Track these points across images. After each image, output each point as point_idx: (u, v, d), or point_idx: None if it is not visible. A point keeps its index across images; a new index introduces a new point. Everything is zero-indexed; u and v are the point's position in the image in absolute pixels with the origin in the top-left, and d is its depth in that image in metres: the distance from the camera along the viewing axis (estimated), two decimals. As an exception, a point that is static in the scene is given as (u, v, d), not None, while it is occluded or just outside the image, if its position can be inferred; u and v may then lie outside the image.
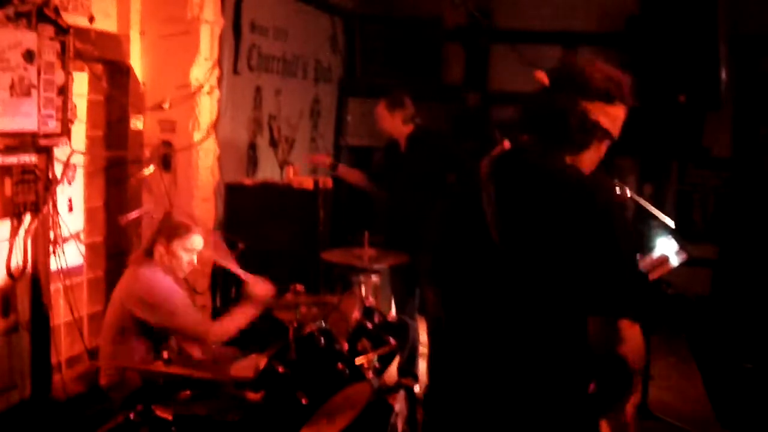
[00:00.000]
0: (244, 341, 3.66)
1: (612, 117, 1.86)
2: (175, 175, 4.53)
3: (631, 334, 1.71)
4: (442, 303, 2.13)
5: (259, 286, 3.53)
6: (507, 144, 1.97)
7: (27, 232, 3.50)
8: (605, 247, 1.72)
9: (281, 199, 4.95)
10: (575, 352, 1.79)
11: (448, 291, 2.10)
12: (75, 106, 3.73)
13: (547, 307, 1.80)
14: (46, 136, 3.49)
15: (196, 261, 3.57)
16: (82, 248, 4.11)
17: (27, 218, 3.50)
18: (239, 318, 3.44)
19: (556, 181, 1.81)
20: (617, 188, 2.00)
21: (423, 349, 4.86)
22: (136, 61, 4.37)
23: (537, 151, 1.88)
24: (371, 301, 4.04)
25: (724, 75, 6.09)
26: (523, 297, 1.82)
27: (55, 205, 3.66)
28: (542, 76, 1.91)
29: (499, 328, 1.89)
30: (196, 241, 3.52)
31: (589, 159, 1.90)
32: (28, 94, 3.33)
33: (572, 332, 1.77)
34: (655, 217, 5.53)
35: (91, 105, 4.22)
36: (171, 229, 3.46)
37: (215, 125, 4.63)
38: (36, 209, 3.53)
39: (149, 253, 3.42)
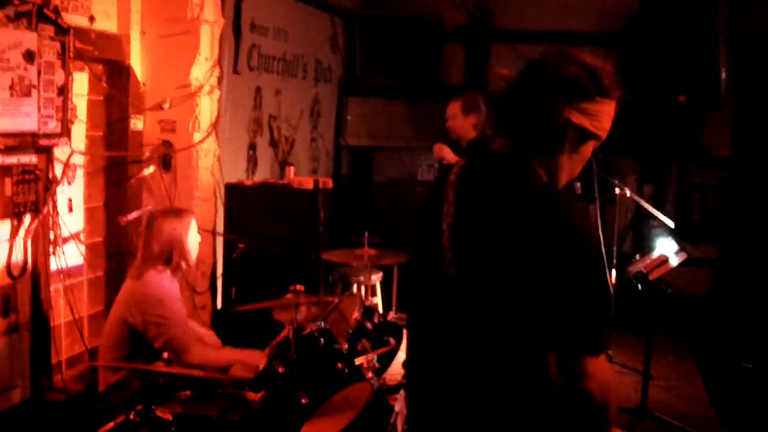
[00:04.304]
0: (244, 341, 3.67)
1: (595, 115, 1.62)
2: (175, 175, 4.53)
3: (596, 367, 1.53)
4: (407, 327, 1.95)
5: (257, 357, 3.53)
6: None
7: (27, 232, 3.50)
8: (562, 277, 1.52)
9: (281, 199, 4.94)
10: (532, 389, 1.59)
11: (409, 313, 1.90)
12: (75, 106, 3.74)
13: (500, 339, 1.59)
14: (46, 136, 3.48)
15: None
16: (82, 248, 4.10)
17: (27, 218, 3.49)
18: (220, 358, 3.39)
19: (515, 201, 1.58)
20: (585, 211, 1.73)
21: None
22: (136, 61, 4.36)
23: (508, 156, 1.67)
24: (371, 301, 4.04)
25: (724, 75, 6.10)
26: (476, 328, 1.61)
27: (55, 205, 3.66)
28: (503, 72, 1.74)
29: (449, 360, 1.69)
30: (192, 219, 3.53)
31: (572, 162, 1.68)
32: (28, 94, 3.33)
33: (529, 368, 1.58)
34: (655, 217, 5.53)
35: (91, 105, 4.21)
36: (181, 224, 3.42)
37: (215, 125, 4.63)
38: (36, 209, 3.53)
39: (167, 261, 3.37)
